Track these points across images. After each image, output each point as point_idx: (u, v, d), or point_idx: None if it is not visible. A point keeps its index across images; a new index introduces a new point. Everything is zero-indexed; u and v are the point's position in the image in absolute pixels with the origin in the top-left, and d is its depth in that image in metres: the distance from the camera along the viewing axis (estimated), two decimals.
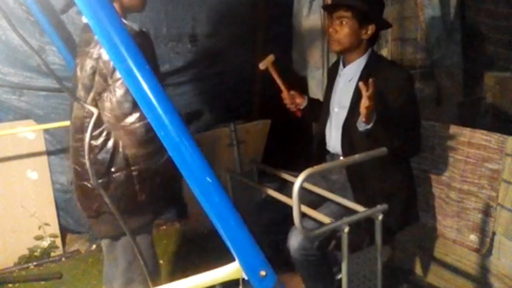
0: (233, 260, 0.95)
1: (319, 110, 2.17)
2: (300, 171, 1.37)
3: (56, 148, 2.88)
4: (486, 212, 2.12)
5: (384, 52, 3.04)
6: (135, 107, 1.40)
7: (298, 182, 1.30)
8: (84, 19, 1.53)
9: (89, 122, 1.49)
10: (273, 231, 2.11)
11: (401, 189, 1.96)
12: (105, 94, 1.43)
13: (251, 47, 3.30)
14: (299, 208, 1.32)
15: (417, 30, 3.13)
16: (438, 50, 3.14)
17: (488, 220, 2.12)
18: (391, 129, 1.75)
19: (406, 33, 3.14)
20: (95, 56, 1.44)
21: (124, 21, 1.52)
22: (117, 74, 1.40)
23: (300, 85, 3.22)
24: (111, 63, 1.40)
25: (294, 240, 1.82)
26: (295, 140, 3.41)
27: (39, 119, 2.77)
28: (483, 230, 2.14)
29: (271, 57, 2.08)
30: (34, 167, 2.84)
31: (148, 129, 1.40)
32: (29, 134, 2.80)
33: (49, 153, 2.88)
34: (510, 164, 2.02)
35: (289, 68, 3.33)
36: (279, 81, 2.09)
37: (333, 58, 3.06)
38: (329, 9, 2.05)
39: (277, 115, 3.07)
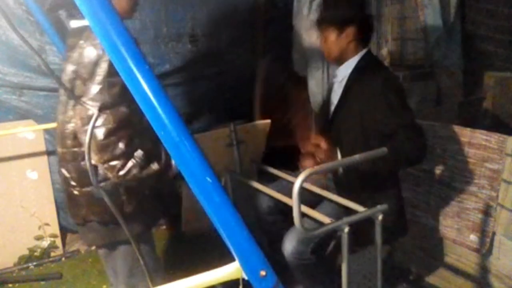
0: (233, 260, 0.95)
1: None
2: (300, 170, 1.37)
3: (56, 148, 2.88)
4: (486, 212, 2.12)
5: (384, 52, 3.04)
6: (102, 110, 1.37)
7: (298, 182, 1.29)
8: (72, 24, 1.52)
9: (73, 127, 1.47)
10: (273, 230, 2.11)
11: (388, 199, 1.83)
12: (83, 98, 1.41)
13: (251, 47, 3.30)
14: (299, 208, 1.31)
15: (417, 30, 3.13)
16: (438, 50, 3.15)
17: (488, 220, 2.12)
18: (372, 142, 1.75)
19: (406, 33, 3.15)
20: (77, 61, 1.44)
21: None
22: (95, 79, 1.38)
23: (300, 85, 3.23)
24: (90, 68, 1.39)
25: (289, 244, 1.82)
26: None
27: (39, 119, 2.77)
28: (483, 230, 2.14)
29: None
30: (34, 167, 2.84)
31: (109, 133, 1.37)
32: (29, 134, 2.80)
33: (49, 153, 2.88)
34: (510, 164, 2.02)
35: (289, 68, 3.33)
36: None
37: None
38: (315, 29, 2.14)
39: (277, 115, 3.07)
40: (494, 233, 2.11)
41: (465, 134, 2.18)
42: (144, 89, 0.83)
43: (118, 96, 1.39)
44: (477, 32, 3.32)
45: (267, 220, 2.11)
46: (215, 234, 0.93)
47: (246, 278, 0.94)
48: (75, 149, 1.49)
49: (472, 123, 2.59)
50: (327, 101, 2.11)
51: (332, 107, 2.02)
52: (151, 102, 0.84)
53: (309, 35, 3.13)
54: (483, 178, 2.12)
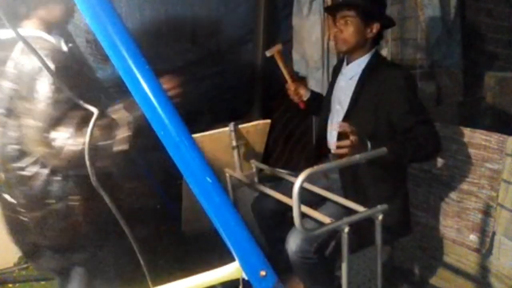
0: (233, 260, 0.95)
1: (321, 104, 2.18)
2: (300, 170, 1.37)
3: None
4: (486, 212, 2.12)
5: (384, 52, 3.04)
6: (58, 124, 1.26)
7: (298, 182, 1.29)
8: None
9: (18, 148, 1.35)
10: (273, 230, 2.11)
11: (394, 198, 1.90)
12: (27, 115, 1.28)
13: (251, 47, 3.30)
14: (299, 208, 1.31)
15: (417, 30, 3.13)
16: (438, 50, 3.14)
17: (488, 220, 2.12)
18: (399, 134, 1.75)
19: (406, 33, 3.14)
20: (12, 76, 1.31)
21: (49, 37, 1.39)
22: (39, 94, 1.26)
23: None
24: (31, 83, 1.26)
25: (293, 243, 1.82)
26: (296, 140, 3.42)
27: None
28: (483, 230, 2.14)
29: (278, 46, 2.13)
30: None
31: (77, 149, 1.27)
32: None
33: None
34: (510, 164, 2.02)
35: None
36: (284, 71, 2.13)
37: (333, 58, 3.06)
38: (332, 10, 2.05)
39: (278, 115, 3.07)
40: (494, 233, 2.11)
41: (465, 134, 2.18)
42: (144, 89, 0.83)
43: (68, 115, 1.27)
44: (477, 32, 3.32)
45: (267, 220, 2.10)
46: (215, 234, 0.93)
47: (246, 278, 0.94)
48: (22, 172, 1.36)
49: (472, 123, 2.59)
50: (328, 99, 2.11)
51: (337, 105, 2.01)
52: (151, 102, 0.84)
53: (309, 35, 3.13)
54: (483, 178, 2.12)
